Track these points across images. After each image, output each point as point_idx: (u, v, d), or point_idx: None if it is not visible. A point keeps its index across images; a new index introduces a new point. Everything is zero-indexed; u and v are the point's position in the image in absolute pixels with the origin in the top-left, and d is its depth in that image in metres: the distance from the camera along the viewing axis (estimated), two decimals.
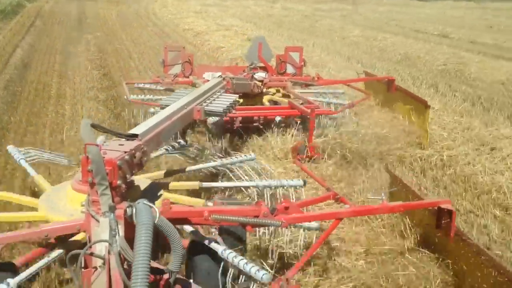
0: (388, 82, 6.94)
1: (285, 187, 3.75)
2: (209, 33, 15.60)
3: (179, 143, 4.85)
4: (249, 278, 2.58)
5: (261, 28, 18.43)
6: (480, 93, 9.37)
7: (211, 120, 5.56)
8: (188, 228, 3.17)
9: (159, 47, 12.56)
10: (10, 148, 4.36)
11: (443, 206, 3.30)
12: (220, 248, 2.77)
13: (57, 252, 2.85)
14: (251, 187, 3.93)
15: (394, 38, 16.32)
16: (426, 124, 5.98)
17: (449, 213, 3.25)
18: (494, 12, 28.27)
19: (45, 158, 4.48)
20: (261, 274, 2.51)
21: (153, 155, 4.28)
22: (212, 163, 4.25)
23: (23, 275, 2.63)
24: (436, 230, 3.44)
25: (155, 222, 2.05)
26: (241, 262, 2.62)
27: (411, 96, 6.52)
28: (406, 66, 12.39)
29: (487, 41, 16.85)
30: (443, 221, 3.34)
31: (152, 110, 5.73)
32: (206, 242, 2.88)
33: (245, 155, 4.29)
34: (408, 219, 3.93)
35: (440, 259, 3.55)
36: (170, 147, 4.72)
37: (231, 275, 2.69)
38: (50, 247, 3.06)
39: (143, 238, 1.89)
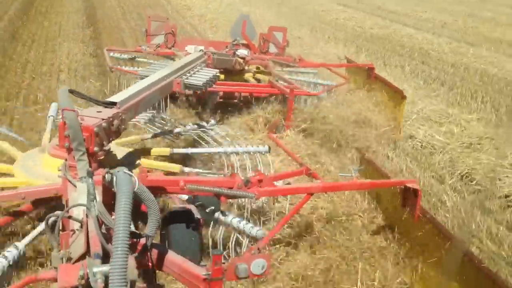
0: (368, 70, 6.97)
1: (251, 153, 4.04)
2: None
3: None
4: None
5: None
6: None
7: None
8: (183, 196, 3.24)
9: None
10: None
11: (409, 185, 3.43)
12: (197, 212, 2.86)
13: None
14: (220, 153, 4.10)
15: None
16: (401, 114, 6.10)
17: (415, 192, 3.38)
18: None
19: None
20: (256, 230, 2.91)
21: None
22: (179, 129, 4.57)
23: (27, 239, 2.75)
24: (401, 209, 3.54)
25: (135, 190, 2.12)
26: (234, 220, 3.02)
27: (389, 86, 6.54)
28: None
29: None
30: (408, 200, 3.48)
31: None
32: (184, 210, 2.94)
33: (205, 122, 4.77)
34: (375, 199, 4.07)
35: (404, 238, 3.65)
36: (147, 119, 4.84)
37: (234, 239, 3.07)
38: (19, 215, 3.10)
39: (122, 205, 1.96)
